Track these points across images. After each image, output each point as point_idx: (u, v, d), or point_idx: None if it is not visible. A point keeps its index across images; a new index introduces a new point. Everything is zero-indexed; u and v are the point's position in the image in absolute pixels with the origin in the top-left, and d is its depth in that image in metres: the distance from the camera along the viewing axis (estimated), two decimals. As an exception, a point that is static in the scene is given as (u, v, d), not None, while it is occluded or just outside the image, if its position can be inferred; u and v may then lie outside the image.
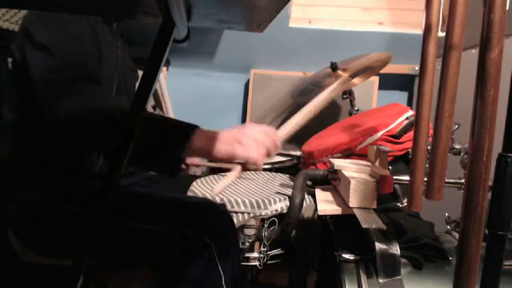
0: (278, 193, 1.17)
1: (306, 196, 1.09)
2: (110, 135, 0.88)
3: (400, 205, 0.98)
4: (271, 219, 1.08)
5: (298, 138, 1.73)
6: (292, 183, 1.12)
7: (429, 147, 0.63)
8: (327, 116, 2.01)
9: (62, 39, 0.92)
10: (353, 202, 0.83)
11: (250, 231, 1.09)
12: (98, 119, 0.89)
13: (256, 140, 0.90)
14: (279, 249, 1.12)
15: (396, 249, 0.79)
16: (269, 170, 1.43)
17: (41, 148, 1.00)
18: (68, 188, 1.01)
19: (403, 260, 0.81)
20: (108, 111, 0.90)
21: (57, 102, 0.89)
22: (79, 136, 0.93)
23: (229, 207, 1.09)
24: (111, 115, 0.89)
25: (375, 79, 1.98)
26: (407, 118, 1.09)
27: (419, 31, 1.71)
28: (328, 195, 0.96)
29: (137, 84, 1.30)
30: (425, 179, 0.61)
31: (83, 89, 0.91)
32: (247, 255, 1.09)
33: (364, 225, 0.75)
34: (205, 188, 1.20)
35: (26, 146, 1.00)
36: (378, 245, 0.79)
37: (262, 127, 0.93)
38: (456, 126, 0.90)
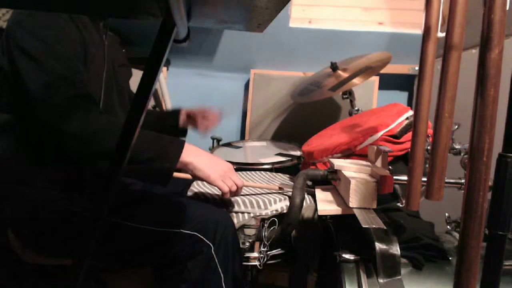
0: (278, 193, 1.17)
1: (306, 196, 1.09)
2: (104, 153, 0.91)
3: (400, 205, 0.98)
4: (271, 219, 1.08)
5: (298, 138, 1.73)
6: (292, 183, 1.12)
7: (429, 147, 0.63)
8: (327, 116, 2.01)
9: (50, 46, 0.92)
10: (353, 202, 0.83)
11: (250, 231, 1.09)
12: (94, 140, 0.91)
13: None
14: (279, 249, 1.12)
15: (396, 249, 0.79)
16: (269, 170, 1.43)
17: (38, 148, 1.00)
18: (68, 188, 1.01)
19: (403, 260, 0.81)
20: (102, 132, 0.92)
21: (54, 122, 0.91)
22: (75, 155, 0.96)
23: (229, 207, 1.09)
24: (105, 135, 0.91)
25: (375, 79, 1.98)
26: (407, 118, 1.09)
27: (419, 31, 1.72)
28: (328, 195, 0.96)
29: (137, 83, 1.30)
30: (425, 179, 0.61)
31: (77, 111, 0.92)
32: (247, 255, 1.09)
33: (364, 225, 0.75)
34: (205, 188, 1.20)
35: (23, 146, 1.00)
36: (378, 245, 0.79)
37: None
38: (456, 126, 0.90)
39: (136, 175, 0.98)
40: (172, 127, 1.38)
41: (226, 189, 1.01)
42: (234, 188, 1.03)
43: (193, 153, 0.99)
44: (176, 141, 0.99)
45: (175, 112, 1.40)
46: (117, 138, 0.90)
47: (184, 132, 1.42)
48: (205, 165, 0.99)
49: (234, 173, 1.05)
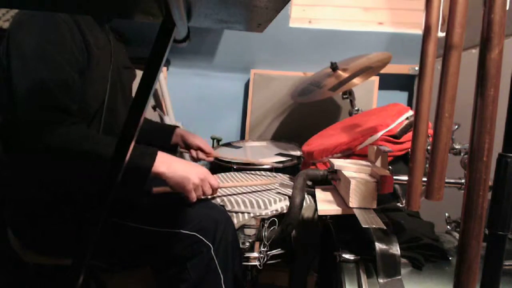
0: (278, 193, 1.17)
1: (306, 196, 1.09)
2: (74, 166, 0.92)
3: (400, 205, 0.98)
4: (271, 219, 1.08)
5: (298, 138, 1.73)
6: (292, 183, 1.12)
7: (429, 147, 0.63)
8: (327, 116, 2.01)
9: (45, 50, 0.92)
10: (353, 202, 0.83)
11: (250, 231, 1.09)
12: (72, 151, 0.91)
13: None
14: (279, 249, 1.12)
15: (396, 249, 0.79)
16: (269, 170, 1.43)
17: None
18: (68, 188, 1.01)
19: (403, 260, 0.81)
20: (79, 144, 0.92)
21: (26, 128, 0.90)
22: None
23: (229, 207, 1.09)
24: (74, 148, 0.91)
25: (375, 79, 1.98)
26: (407, 118, 1.09)
27: (419, 31, 1.71)
28: (328, 195, 0.96)
29: (135, 84, 1.31)
30: (425, 179, 0.61)
31: (51, 121, 0.91)
32: (247, 255, 1.09)
33: (364, 225, 0.75)
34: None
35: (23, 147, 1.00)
36: (378, 245, 0.79)
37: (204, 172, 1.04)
38: (456, 126, 0.90)
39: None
40: (163, 142, 1.40)
41: (194, 200, 1.02)
42: (209, 192, 1.04)
43: (165, 163, 0.98)
44: (149, 151, 0.97)
45: (171, 129, 1.41)
46: (86, 150, 0.90)
47: (174, 148, 1.43)
48: (178, 174, 0.98)
49: (211, 176, 1.05)
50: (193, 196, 1.01)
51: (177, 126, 1.43)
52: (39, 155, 0.92)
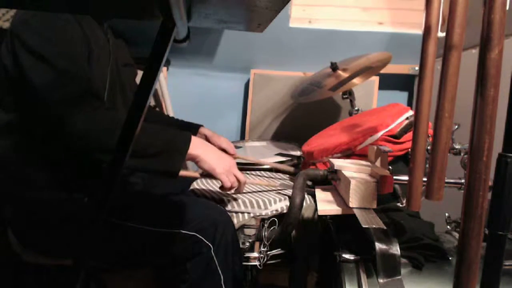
0: (278, 193, 1.17)
1: (306, 196, 1.09)
2: (109, 150, 0.91)
3: (400, 205, 0.98)
4: (271, 219, 1.08)
5: (298, 138, 1.73)
6: (292, 183, 1.12)
7: (429, 147, 0.63)
8: (327, 116, 2.01)
9: (55, 45, 0.93)
10: (353, 202, 0.83)
11: (250, 231, 1.09)
12: (99, 137, 0.92)
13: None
14: (279, 249, 1.12)
15: (396, 249, 0.79)
16: (269, 170, 1.43)
17: (39, 148, 1.00)
18: (68, 188, 1.01)
19: (403, 260, 0.81)
20: (108, 129, 0.93)
21: (59, 120, 0.91)
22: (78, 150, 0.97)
23: (229, 207, 1.09)
24: (111, 132, 0.91)
25: (375, 79, 1.98)
26: (407, 118, 1.09)
27: (419, 31, 1.71)
28: (328, 195, 0.96)
29: (137, 79, 1.31)
30: (425, 179, 0.61)
31: (83, 108, 0.92)
32: (247, 255, 1.09)
33: (364, 225, 0.75)
34: (205, 188, 1.20)
35: (25, 146, 1.00)
36: (378, 245, 0.79)
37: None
38: (456, 126, 0.90)
39: (146, 169, 0.99)
40: None
41: (228, 184, 1.03)
42: (236, 184, 1.05)
43: (200, 146, 1.01)
44: (183, 134, 1.01)
45: (195, 127, 1.41)
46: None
47: None
48: (212, 158, 1.02)
49: (237, 169, 1.07)
50: (226, 180, 1.02)
51: (201, 125, 1.42)
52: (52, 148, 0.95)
